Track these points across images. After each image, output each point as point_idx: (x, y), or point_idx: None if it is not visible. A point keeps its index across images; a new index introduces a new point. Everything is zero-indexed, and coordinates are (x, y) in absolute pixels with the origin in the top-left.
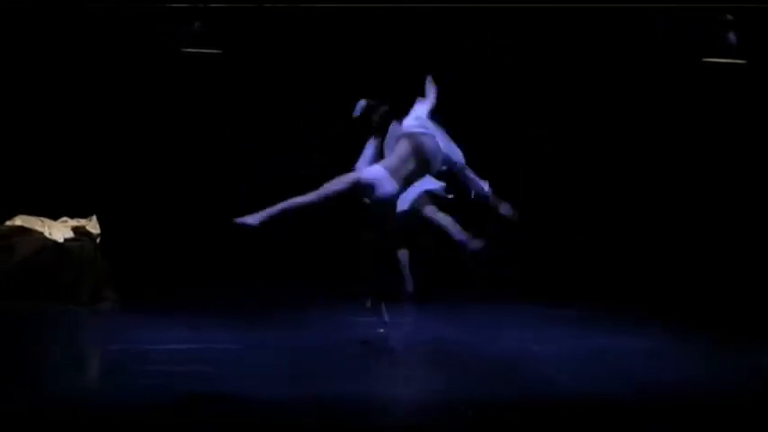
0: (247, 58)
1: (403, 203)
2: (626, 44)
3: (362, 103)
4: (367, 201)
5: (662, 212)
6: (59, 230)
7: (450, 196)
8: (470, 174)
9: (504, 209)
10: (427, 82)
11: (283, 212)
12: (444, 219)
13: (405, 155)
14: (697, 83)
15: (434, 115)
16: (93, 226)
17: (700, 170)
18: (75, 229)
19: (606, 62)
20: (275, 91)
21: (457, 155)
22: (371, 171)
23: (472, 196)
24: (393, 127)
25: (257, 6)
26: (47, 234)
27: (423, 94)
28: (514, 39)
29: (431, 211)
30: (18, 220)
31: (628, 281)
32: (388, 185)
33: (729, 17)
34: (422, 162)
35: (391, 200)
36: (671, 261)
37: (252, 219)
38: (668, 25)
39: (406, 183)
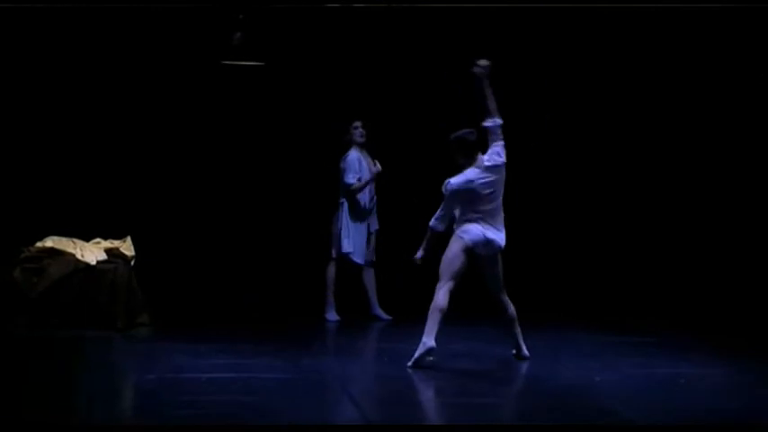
0: (287, 69)
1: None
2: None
3: None
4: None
5: (695, 225)
6: (92, 252)
7: None
8: None
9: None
10: None
11: None
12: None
13: None
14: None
15: None
16: (127, 248)
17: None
18: (108, 251)
19: (620, 71)
20: (313, 111)
21: None
22: None
23: None
24: None
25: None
26: (79, 256)
27: None
28: (517, 41)
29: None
30: (49, 242)
31: (679, 298)
32: None
33: None
34: None
35: None
36: (721, 275)
37: None
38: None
39: None
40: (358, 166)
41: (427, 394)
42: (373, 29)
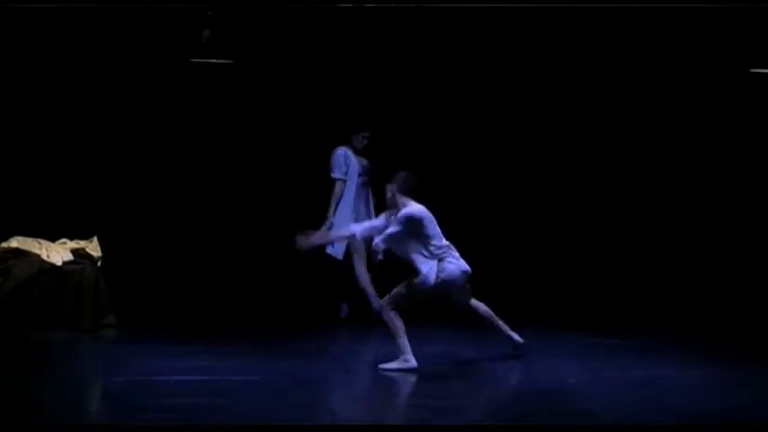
0: (258, 67)
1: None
2: (669, 52)
3: None
4: None
5: (690, 226)
6: (58, 253)
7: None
8: None
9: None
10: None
11: None
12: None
13: None
14: (745, 93)
15: None
16: (93, 248)
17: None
18: (74, 252)
19: (645, 71)
20: (283, 105)
21: None
22: None
23: None
24: None
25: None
26: (44, 257)
27: None
28: (522, 41)
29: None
30: (14, 242)
31: (664, 300)
32: None
33: None
34: None
35: None
36: (703, 275)
37: None
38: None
39: None
40: (344, 161)
41: (399, 396)
42: (349, 28)
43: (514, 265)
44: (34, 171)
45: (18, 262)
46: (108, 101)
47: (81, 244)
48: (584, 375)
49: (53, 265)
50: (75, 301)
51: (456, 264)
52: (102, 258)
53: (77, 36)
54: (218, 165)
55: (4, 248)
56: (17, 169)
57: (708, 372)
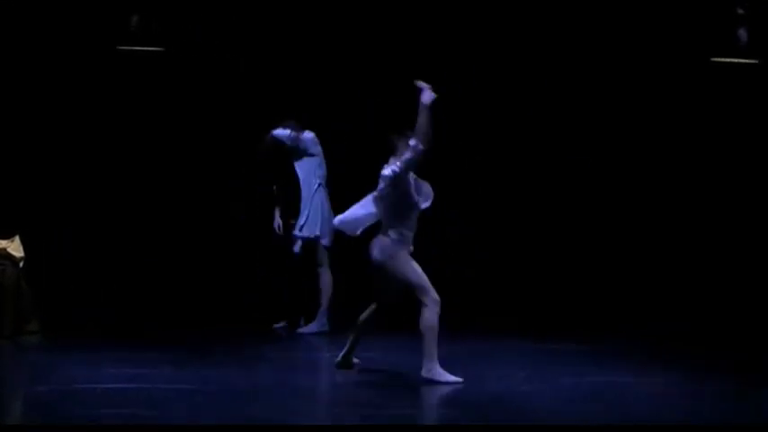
0: (190, 54)
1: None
2: (628, 42)
3: None
4: None
5: (659, 230)
6: None
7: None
8: None
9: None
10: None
11: None
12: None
13: None
14: (705, 83)
15: None
16: (15, 248)
17: (707, 178)
18: None
19: (605, 61)
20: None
21: None
22: None
23: None
24: None
25: None
26: None
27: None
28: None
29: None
30: None
31: (626, 306)
32: None
33: (741, 11)
34: None
35: None
36: (669, 281)
37: None
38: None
39: None
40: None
41: (341, 405)
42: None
43: (502, 264)
44: None
45: None
46: (28, 89)
47: (2, 244)
48: (536, 383)
49: None
50: None
51: None
52: (25, 259)
53: None
54: (146, 159)
55: None
56: None
57: (660, 381)
